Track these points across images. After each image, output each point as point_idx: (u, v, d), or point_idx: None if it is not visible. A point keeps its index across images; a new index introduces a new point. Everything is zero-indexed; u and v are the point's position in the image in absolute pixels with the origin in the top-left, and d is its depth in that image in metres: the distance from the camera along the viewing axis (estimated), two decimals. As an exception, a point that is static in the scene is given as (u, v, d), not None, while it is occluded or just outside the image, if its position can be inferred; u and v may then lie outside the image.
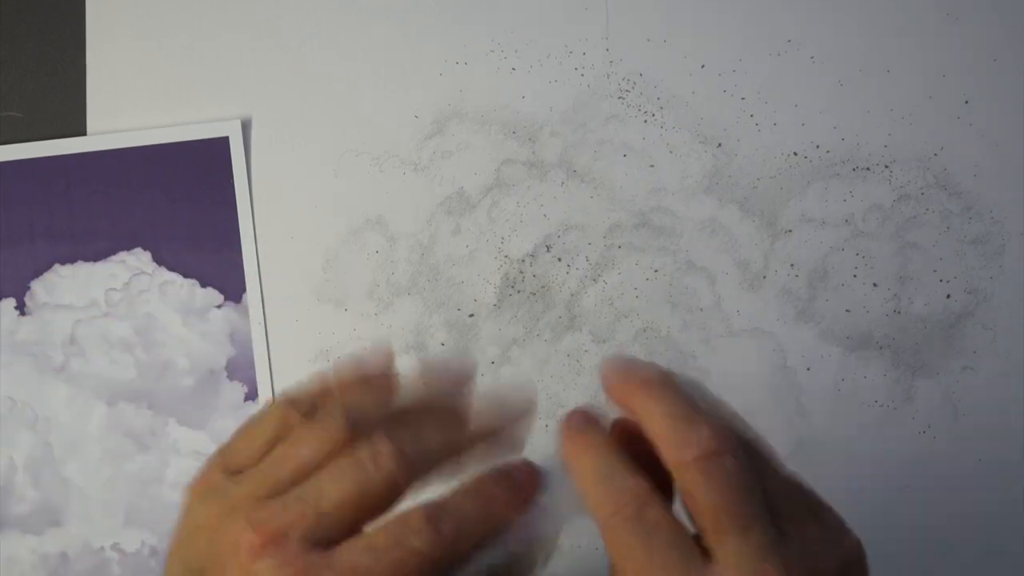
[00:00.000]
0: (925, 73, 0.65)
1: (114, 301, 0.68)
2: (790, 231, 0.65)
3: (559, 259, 0.65)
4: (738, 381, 0.63)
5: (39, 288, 0.68)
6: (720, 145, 0.65)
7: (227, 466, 0.39)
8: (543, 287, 0.65)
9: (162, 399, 0.68)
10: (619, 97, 0.65)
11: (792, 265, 0.64)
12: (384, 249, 0.65)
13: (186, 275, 0.68)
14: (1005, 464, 0.65)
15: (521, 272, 0.65)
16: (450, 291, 0.65)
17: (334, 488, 0.37)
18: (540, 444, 0.65)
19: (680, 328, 0.64)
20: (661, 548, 0.36)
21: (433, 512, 0.37)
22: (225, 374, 0.68)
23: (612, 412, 0.39)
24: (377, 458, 0.37)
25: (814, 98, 0.65)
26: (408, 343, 0.65)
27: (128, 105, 0.66)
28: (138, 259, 0.68)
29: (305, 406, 0.40)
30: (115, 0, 0.67)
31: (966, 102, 0.65)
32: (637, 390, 0.38)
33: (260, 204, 0.66)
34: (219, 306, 0.68)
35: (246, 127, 0.67)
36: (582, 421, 0.40)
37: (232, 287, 0.67)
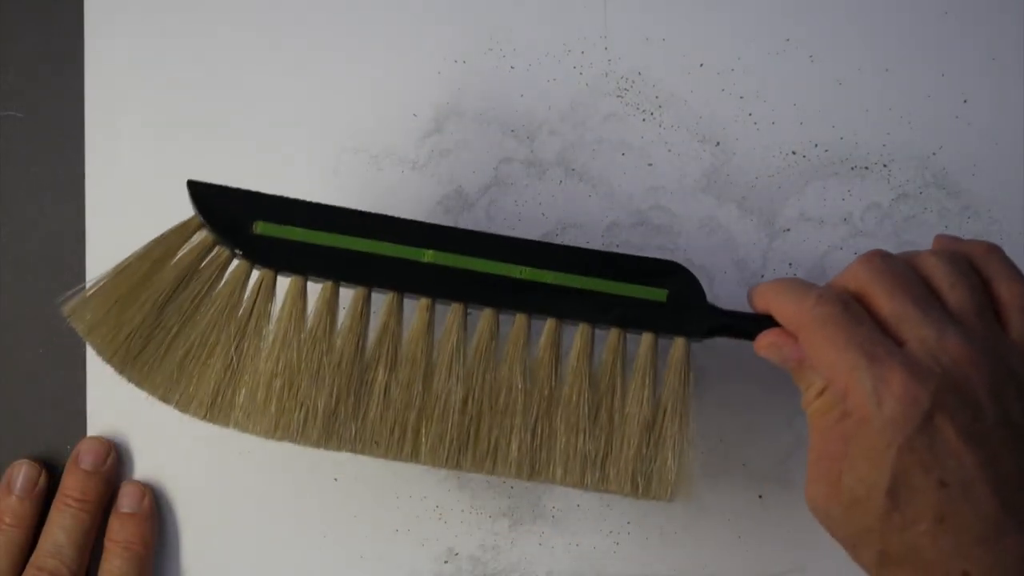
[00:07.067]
0: (924, 72, 0.65)
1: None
2: (788, 230, 0.65)
3: (557, 258, 0.65)
4: (737, 380, 0.63)
5: None
6: (718, 144, 0.65)
7: None
8: (541, 286, 0.65)
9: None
10: (618, 96, 0.65)
11: (790, 264, 0.64)
12: (382, 247, 0.65)
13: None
14: (1005, 464, 0.64)
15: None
16: (448, 290, 0.65)
17: None
18: (537, 442, 0.65)
19: (678, 327, 0.64)
20: (863, 325, 0.45)
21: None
22: (223, 372, 0.67)
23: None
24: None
25: (813, 97, 0.65)
26: (406, 342, 0.65)
27: (127, 105, 0.66)
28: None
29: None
30: (114, 0, 0.67)
31: (965, 101, 0.65)
32: None
33: (259, 202, 0.66)
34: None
35: (245, 126, 0.67)
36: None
37: (230, 285, 0.67)
